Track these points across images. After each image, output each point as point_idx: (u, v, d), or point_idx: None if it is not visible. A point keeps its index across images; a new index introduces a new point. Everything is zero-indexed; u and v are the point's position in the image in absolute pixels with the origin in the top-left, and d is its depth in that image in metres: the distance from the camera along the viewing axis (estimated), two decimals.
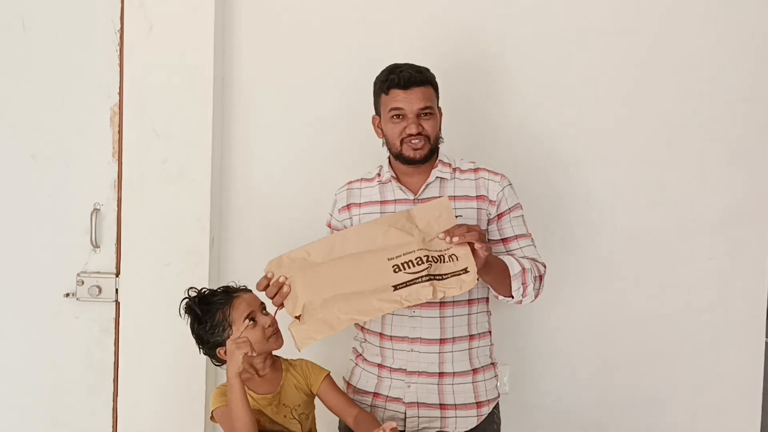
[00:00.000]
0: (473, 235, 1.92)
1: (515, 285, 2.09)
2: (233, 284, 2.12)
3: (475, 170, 2.23)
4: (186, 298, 2.08)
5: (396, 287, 1.91)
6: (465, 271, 1.92)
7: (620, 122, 2.68)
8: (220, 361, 2.07)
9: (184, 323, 2.61)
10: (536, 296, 2.16)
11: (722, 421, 2.74)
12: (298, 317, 1.94)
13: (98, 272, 2.72)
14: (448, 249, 1.94)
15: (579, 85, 2.68)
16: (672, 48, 2.67)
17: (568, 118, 2.69)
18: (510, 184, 2.23)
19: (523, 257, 2.17)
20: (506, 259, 2.12)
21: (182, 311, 2.09)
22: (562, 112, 2.69)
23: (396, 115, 2.14)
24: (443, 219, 1.98)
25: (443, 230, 1.95)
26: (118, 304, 2.71)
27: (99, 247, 2.72)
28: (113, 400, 2.72)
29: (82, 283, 2.71)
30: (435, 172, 2.20)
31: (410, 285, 1.90)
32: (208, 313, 2.04)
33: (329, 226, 2.34)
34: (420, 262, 1.91)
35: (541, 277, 2.17)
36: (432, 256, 1.92)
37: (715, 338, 2.71)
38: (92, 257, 2.73)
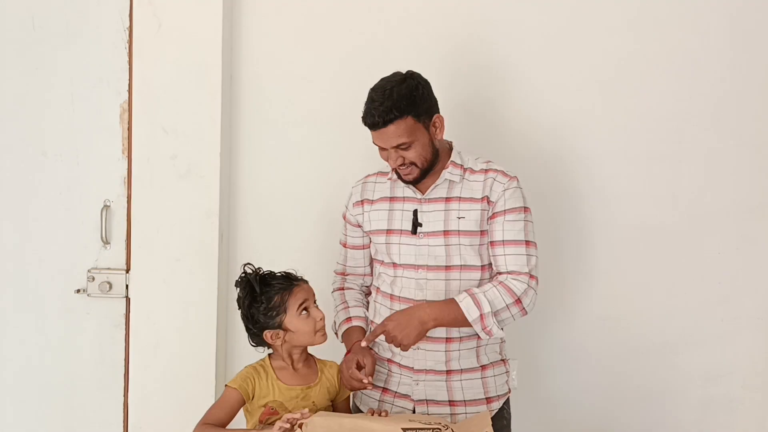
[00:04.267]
0: None
1: (477, 328, 2.08)
2: (293, 272, 2.10)
3: (486, 171, 2.19)
4: (244, 273, 2.08)
5: None
6: None
7: (629, 117, 2.68)
8: (260, 344, 2.07)
9: (194, 319, 2.65)
10: (524, 314, 2.12)
11: (732, 415, 2.74)
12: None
13: (109, 268, 2.74)
14: None
15: (588, 80, 2.67)
16: (682, 42, 2.66)
17: (576, 114, 2.68)
18: (518, 187, 2.17)
19: (493, 280, 2.11)
20: (463, 304, 2.07)
21: (238, 285, 2.08)
22: (570, 107, 2.68)
23: (379, 147, 2.15)
24: (478, 423, 1.96)
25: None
26: (128, 299, 2.72)
27: (109, 243, 2.74)
28: (124, 395, 2.74)
29: (93, 279, 2.73)
30: (445, 174, 2.19)
31: None
32: (266, 294, 2.04)
33: (344, 218, 2.35)
34: (429, 428, 1.85)
35: (516, 302, 2.08)
36: (450, 428, 1.85)
37: (724, 332, 2.71)
38: (103, 253, 2.74)
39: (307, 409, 1.91)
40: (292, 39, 2.71)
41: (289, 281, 2.06)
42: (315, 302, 2.08)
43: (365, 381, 2.07)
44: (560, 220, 2.68)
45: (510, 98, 2.70)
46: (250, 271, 2.07)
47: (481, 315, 2.07)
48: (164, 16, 2.61)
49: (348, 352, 2.20)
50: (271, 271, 2.09)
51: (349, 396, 2.19)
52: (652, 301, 2.72)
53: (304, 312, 2.03)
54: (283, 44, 2.72)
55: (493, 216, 2.15)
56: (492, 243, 2.16)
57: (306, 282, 2.09)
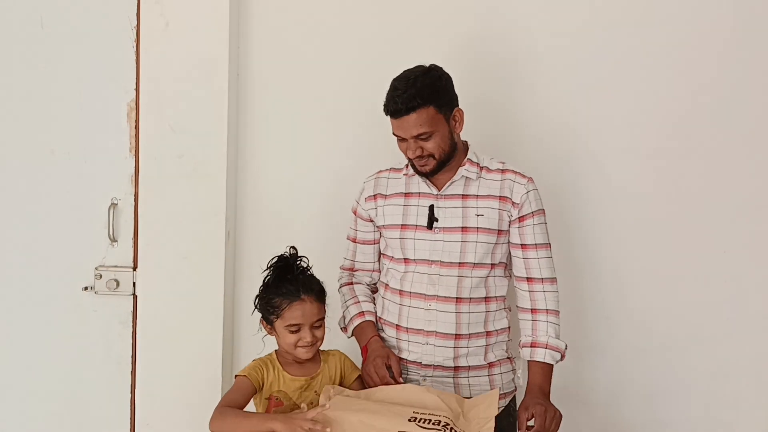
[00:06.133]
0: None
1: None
2: (317, 280, 2.12)
3: (503, 171, 2.22)
4: (280, 255, 2.11)
5: None
6: None
7: (637, 115, 2.67)
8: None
9: (201, 316, 2.66)
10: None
11: (737, 412, 2.74)
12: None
13: (116, 266, 2.75)
14: None
15: (596, 78, 2.67)
16: (689, 39, 2.65)
17: (584, 111, 2.68)
18: (536, 189, 2.22)
19: (545, 311, 2.21)
20: (548, 356, 2.18)
21: (269, 264, 2.12)
22: (578, 105, 2.68)
23: (398, 137, 2.16)
24: (485, 407, 1.97)
25: (483, 416, 1.93)
26: (135, 297, 2.73)
27: (116, 241, 2.75)
28: (131, 392, 2.75)
29: (100, 276, 2.73)
30: (462, 171, 2.21)
31: None
32: (274, 289, 2.08)
33: (355, 213, 2.36)
34: (438, 424, 1.85)
35: (557, 315, 2.23)
36: (453, 429, 1.86)
37: (729, 330, 2.71)
38: (110, 251, 2.75)
39: (327, 404, 1.92)
40: (299, 37, 2.72)
41: (298, 293, 2.05)
42: (317, 323, 2.07)
43: (399, 382, 2.12)
44: (567, 217, 2.68)
45: (518, 96, 2.70)
46: (287, 255, 2.11)
47: (562, 355, 2.21)
48: (171, 14, 2.62)
49: (364, 348, 2.22)
50: (303, 268, 2.11)
51: (358, 378, 2.18)
52: (659, 298, 2.72)
53: (294, 329, 2.05)
54: (290, 42, 2.73)
55: (522, 218, 2.19)
56: (525, 246, 2.20)
57: (318, 300, 2.08)
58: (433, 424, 1.85)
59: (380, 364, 2.14)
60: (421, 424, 1.85)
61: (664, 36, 2.66)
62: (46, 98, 2.72)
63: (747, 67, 2.66)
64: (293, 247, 2.14)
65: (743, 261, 2.70)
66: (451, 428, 1.84)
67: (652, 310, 2.72)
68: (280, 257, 2.13)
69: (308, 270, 2.13)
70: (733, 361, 2.72)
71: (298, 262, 2.12)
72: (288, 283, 2.07)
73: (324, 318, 2.10)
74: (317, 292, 2.09)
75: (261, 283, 2.13)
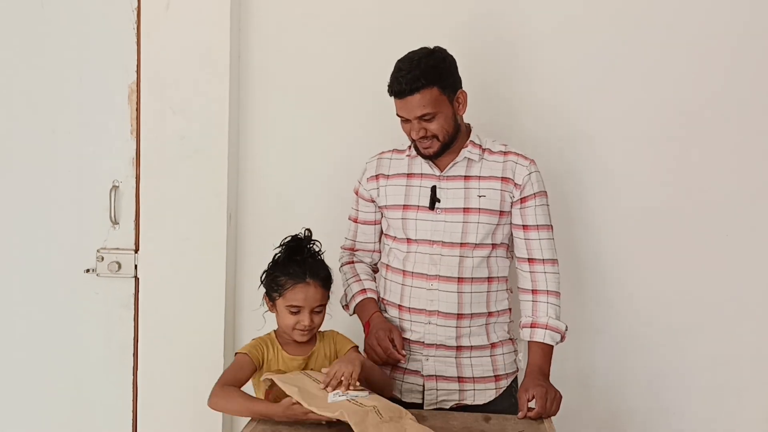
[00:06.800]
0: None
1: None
2: (325, 266, 2.12)
3: (506, 153, 2.23)
4: (294, 236, 2.12)
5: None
6: None
7: (639, 100, 2.66)
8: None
9: (202, 298, 2.67)
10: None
11: (740, 397, 2.73)
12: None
13: (117, 248, 2.75)
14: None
15: (597, 63, 2.66)
16: (691, 25, 2.64)
17: (584, 96, 2.67)
18: (538, 171, 2.22)
19: (545, 292, 2.21)
20: (548, 337, 2.18)
21: (283, 242, 2.13)
22: (579, 89, 2.67)
23: (402, 118, 2.16)
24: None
25: None
26: (137, 279, 2.73)
27: (118, 223, 2.75)
28: (133, 374, 2.76)
29: (102, 259, 2.74)
30: (464, 152, 2.21)
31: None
32: (281, 268, 2.08)
33: (356, 193, 2.36)
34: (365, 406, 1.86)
35: (558, 296, 2.23)
36: (379, 412, 1.86)
37: (732, 314, 2.70)
38: (111, 234, 2.75)
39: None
40: (301, 20, 2.71)
41: (303, 276, 2.05)
42: (318, 308, 2.07)
43: (401, 354, 2.14)
44: (567, 201, 2.68)
45: (518, 80, 2.69)
46: (301, 236, 2.12)
47: (562, 336, 2.20)
48: None
49: (366, 323, 2.22)
50: (313, 252, 2.11)
51: (352, 349, 2.16)
52: (659, 282, 2.71)
53: (294, 310, 2.05)
54: (291, 25, 2.72)
55: (524, 200, 2.20)
56: (527, 227, 2.21)
57: (323, 287, 2.08)
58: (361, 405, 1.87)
59: (383, 337, 2.15)
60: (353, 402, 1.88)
61: (664, 21, 2.64)
62: (47, 79, 2.72)
63: (748, 52, 2.65)
64: (308, 230, 2.15)
65: (745, 246, 2.69)
66: (378, 411, 1.84)
67: (652, 294, 2.72)
68: (294, 237, 2.13)
69: (319, 254, 2.13)
70: (735, 346, 2.71)
71: (310, 245, 2.12)
72: (296, 264, 2.07)
73: (325, 305, 2.10)
74: (323, 278, 2.09)
75: (271, 259, 2.14)
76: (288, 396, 1.90)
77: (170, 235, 2.68)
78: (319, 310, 2.08)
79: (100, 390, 2.79)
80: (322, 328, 2.16)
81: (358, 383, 1.94)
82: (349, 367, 1.94)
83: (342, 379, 1.92)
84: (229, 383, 2.01)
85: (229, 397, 1.98)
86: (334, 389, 1.91)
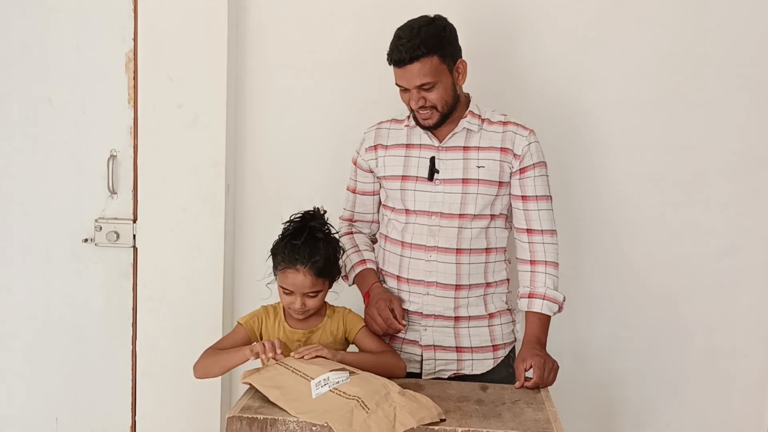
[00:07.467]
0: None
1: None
2: (324, 254, 2.05)
3: (505, 123, 2.21)
4: (305, 212, 2.11)
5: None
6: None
7: (638, 67, 2.65)
8: None
9: (201, 267, 2.67)
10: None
11: (736, 362, 2.75)
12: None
13: (116, 218, 2.74)
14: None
15: (598, 31, 2.64)
16: None
17: (586, 64, 2.66)
18: (537, 141, 2.21)
19: (543, 262, 2.20)
20: (546, 307, 2.18)
21: (291, 217, 2.12)
22: (581, 60, 2.66)
23: (401, 87, 2.14)
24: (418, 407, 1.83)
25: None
26: (135, 249, 2.73)
27: (116, 193, 2.74)
28: (132, 343, 2.77)
29: (100, 228, 2.73)
30: (463, 123, 2.19)
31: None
32: (280, 248, 2.06)
33: (355, 163, 2.35)
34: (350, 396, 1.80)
35: (556, 267, 2.22)
36: (364, 403, 1.78)
37: (730, 281, 2.72)
38: (110, 203, 2.75)
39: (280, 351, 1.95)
40: None
41: (294, 262, 2.02)
42: (311, 293, 2.03)
43: (402, 324, 2.15)
44: (567, 169, 2.67)
45: (520, 48, 2.67)
46: (308, 216, 2.09)
47: (560, 307, 2.20)
48: None
49: (366, 294, 2.22)
50: (316, 234, 2.06)
51: (363, 329, 2.15)
52: (658, 250, 2.72)
53: (287, 291, 2.05)
54: None
55: (524, 170, 2.18)
56: (525, 197, 2.19)
57: (317, 274, 2.02)
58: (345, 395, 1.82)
59: (383, 307, 2.15)
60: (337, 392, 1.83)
61: None
62: (44, 48, 2.70)
63: (748, 19, 2.62)
64: (319, 209, 2.11)
65: (743, 212, 2.70)
66: (362, 403, 1.79)
67: (650, 262, 2.73)
68: (304, 216, 2.09)
69: (324, 233, 2.08)
70: (734, 311, 2.73)
71: (313, 225, 2.07)
72: (291, 248, 2.03)
73: (322, 290, 2.06)
74: (318, 266, 2.02)
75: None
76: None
77: (169, 204, 2.68)
78: (313, 294, 2.05)
79: (99, 359, 2.81)
80: (336, 304, 2.17)
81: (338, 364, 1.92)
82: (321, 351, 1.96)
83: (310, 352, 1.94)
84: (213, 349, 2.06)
85: (204, 359, 2.04)
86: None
